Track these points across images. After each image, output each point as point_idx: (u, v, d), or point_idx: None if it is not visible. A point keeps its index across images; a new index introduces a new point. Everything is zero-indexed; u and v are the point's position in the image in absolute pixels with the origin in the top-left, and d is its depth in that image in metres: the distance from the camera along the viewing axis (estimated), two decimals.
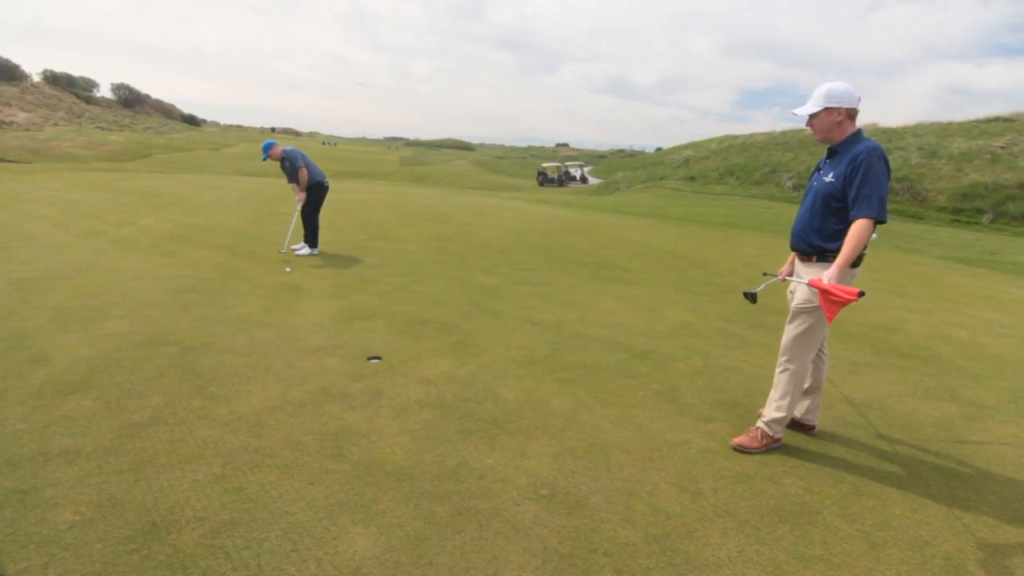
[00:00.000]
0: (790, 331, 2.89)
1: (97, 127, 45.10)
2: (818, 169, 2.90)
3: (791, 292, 3.00)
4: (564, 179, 43.58)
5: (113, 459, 2.54)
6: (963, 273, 9.25)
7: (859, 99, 2.68)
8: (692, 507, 2.44)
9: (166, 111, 78.81)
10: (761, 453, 2.93)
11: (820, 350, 3.06)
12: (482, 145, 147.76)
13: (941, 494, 2.67)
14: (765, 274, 3.22)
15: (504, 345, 4.26)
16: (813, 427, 3.19)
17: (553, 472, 2.64)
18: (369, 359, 3.86)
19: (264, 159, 6.97)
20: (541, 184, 41.81)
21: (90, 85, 70.41)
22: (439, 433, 2.93)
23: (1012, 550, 2.30)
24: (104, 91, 71.72)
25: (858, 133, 2.73)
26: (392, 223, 10.24)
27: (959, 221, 15.51)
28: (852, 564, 2.16)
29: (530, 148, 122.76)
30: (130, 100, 71.89)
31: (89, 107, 58.56)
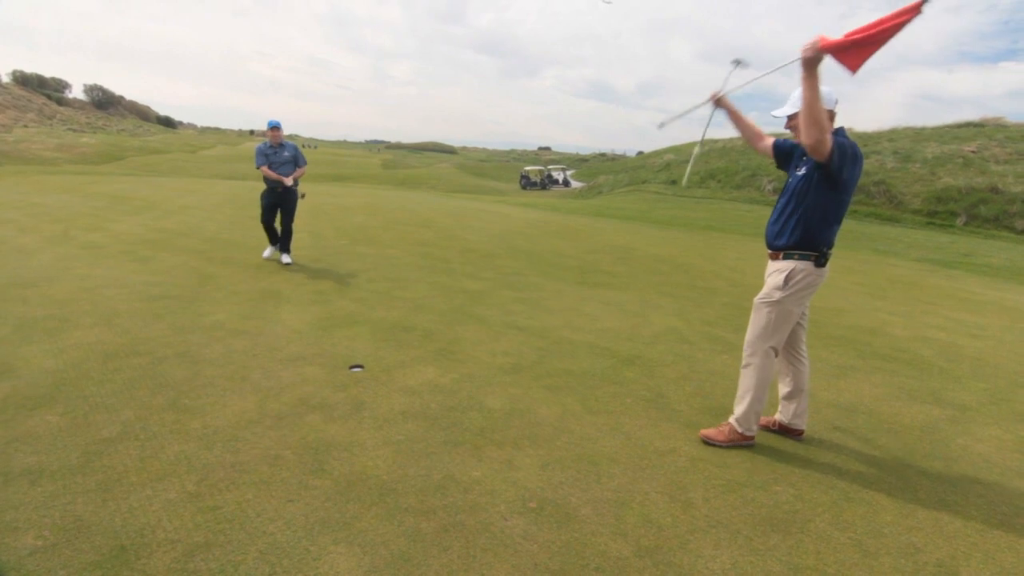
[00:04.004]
0: (751, 325, 2.96)
1: (69, 129, 44.05)
2: (795, 168, 2.92)
3: None
4: (547, 183, 43.72)
5: (80, 478, 2.41)
6: (939, 275, 9.41)
7: (836, 101, 2.68)
8: (684, 518, 2.40)
9: (141, 113, 77.39)
10: (726, 447, 2.98)
11: (799, 352, 3.08)
12: (464, 148, 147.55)
13: (930, 499, 2.66)
14: None
15: (489, 352, 4.19)
16: (801, 432, 3.17)
17: (541, 484, 2.57)
18: (350, 368, 3.75)
19: (271, 127, 6.53)
20: (524, 188, 41.89)
21: (61, 86, 68.86)
22: (424, 445, 2.84)
23: (1002, 554, 2.29)
24: (76, 92, 70.23)
25: (839, 131, 2.73)
26: (374, 227, 10.11)
27: (934, 224, 15.83)
28: (846, 574, 2.13)
29: (512, 151, 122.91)
30: (103, 101, 70.44)
31: (60, 108, 57.19)
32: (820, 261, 2.77)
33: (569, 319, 5.18)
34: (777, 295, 2.81)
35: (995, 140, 20.03)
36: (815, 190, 2.72)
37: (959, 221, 15.73)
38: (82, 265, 6.05)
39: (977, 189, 16.44)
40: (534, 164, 59.27)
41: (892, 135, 23.48)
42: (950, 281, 8.88)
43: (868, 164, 19.40)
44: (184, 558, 2.00)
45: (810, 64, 2.46)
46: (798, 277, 2.78)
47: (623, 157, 67.20)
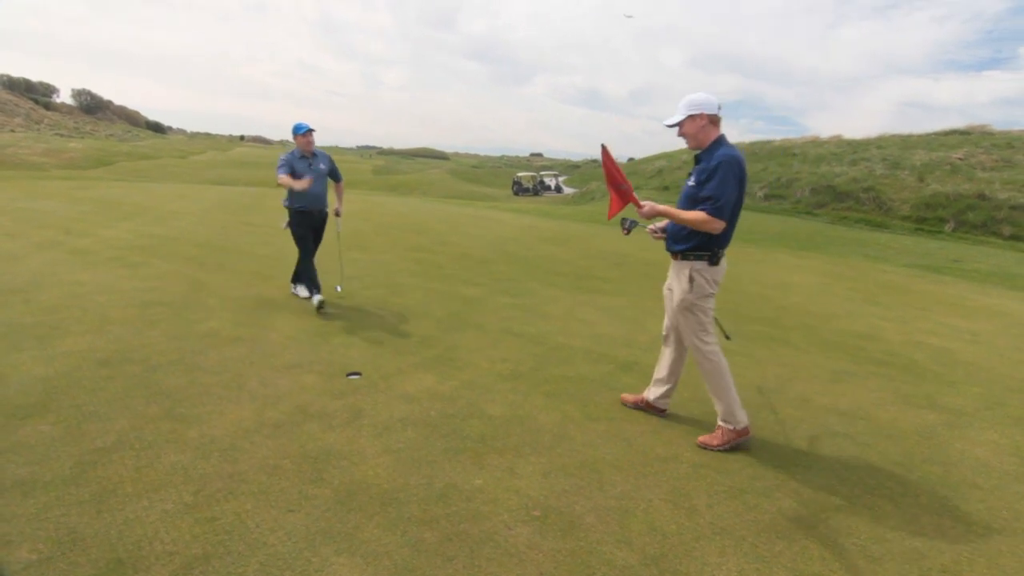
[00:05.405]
0: (683, 331, 3.10)
1: (56, 134, 43.61)
2: (689, 177, 3.05)
3: (668, 289, 3.19)
4: (539, 189, 43.76)
5: (74, 489, 2.36)
6: (930, 281, 9.51)
7: (719, 106, 2.89)
8: (688, 525, 2.38)
9: (130, 118, 76.82)
10: (724, 450, 3.03)
11: (684, 344, 3.23)
12: (456, 154, 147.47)
13: (931, 504, 2.67)
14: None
15: (487, 358, 4.17)
16: (664, 411, 3.39)
17: (544, 492, 2.55)
18: (348, 375, 3.72)
19: (302, 131, 5.05)
20: (516, 194, 41.91)
21: (49, 90, 68.34)
22: (424, 453, 2.81)
23: (1005, 559, 2.29)
24: (64, 97, 69.70)
25: (720, 139, 2.92)
26: (367, 233, 10.06)
27: (922, 230, 16.00)
28: None
29: (504, 157, 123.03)
30: (92, 106, 69.89)
31: (48, 113, 56.68)
32: (713, 260, 2.94)
33: (565, 325, 5.17)
34: (689, 298, 3.00)
35: (981, 147, 20.30)
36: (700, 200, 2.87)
37: (947, 227, 15.90)
38: (72, 271, 5.96)
39: (964, 196, 16.63)
40: (526, 170, 59.41)
41: (880, 142, 23.73)
42: (940, 286, 8.97)
43: (858, 171, 19.61)
44: (183, 571, 1.96)
45: (650, 214, 2.92)
46: (697, 279, 2.96)
47: None
